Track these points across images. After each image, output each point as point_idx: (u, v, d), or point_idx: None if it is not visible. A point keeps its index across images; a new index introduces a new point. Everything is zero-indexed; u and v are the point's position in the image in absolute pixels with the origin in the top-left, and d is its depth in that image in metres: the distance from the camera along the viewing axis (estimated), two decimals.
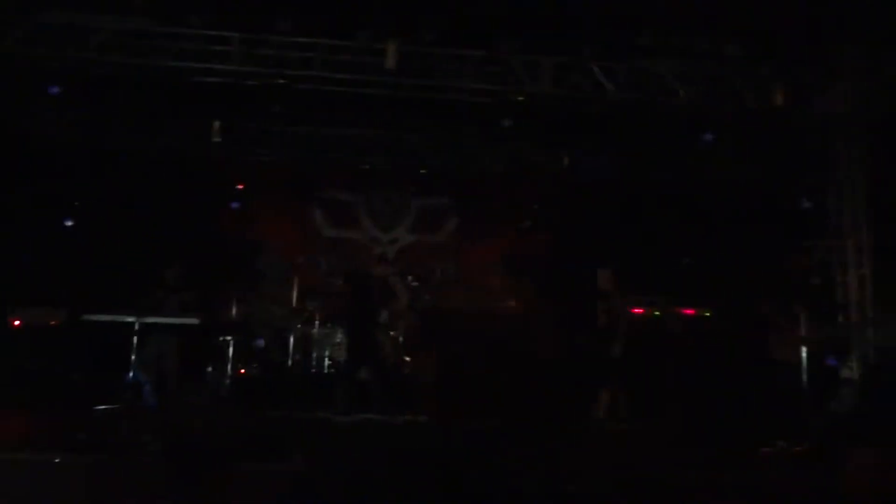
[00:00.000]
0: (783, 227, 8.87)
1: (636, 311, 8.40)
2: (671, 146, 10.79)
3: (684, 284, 9.17)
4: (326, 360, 8.23)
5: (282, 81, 8.59)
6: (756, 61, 8.44)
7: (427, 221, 11.21)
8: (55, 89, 8.09)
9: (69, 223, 10.35)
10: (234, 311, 8.96)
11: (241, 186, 11.14)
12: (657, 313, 8.38)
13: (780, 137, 9.20)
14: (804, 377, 6.46)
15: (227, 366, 7.99)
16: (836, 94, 8.45)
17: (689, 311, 8.38)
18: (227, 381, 7.69)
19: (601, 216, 10.92)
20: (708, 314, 8.40)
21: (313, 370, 8.26)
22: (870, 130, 8.31)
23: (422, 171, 11.46)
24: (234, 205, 11.15)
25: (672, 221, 11.00)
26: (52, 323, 7.74)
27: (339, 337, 8.34)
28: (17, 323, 7.70)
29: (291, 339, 8.67)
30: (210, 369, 8.20)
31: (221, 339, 8.35)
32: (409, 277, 9.47)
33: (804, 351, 6.49)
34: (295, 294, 9.39)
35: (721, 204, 10.53)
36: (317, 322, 8.63)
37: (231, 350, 8.06)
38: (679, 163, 11.32)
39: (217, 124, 10.57)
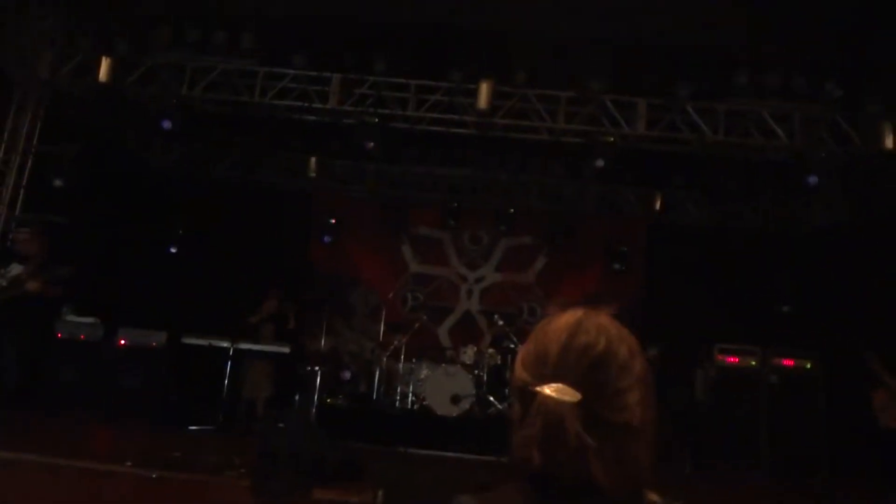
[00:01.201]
0: (890, 273, 8.34)
1: (731, 360, 8.05)
2: (769, 190, 10.44)
3: (783, 334, 8.73)
4: (410, 395, 8.26)
5: (376, 120, 8.85)
6: (860, 100, 8.11)
7: (514, 260, 11.17)
8: (167, 124, 8.60)
9: (173, 250, 10.91)
10: (323, 342, 9.15)
11: (334, 221, 11.43)
12: (753, 363, 8.00)
13: (888, 179, 8.73)
14: None
15: (314, 395, 8.16)
16: None
17: (789, 362, 7.96)
18: (314, 410, 7.84)
19: (693, 260, 10.59)
20: (809, 366, 7.95)
21: (398, 405, 8.30)
22: None
23: (510, 210, 11.48)
24: (327, 238, 11.46)
25: (770, 268, 10.57)
26: (154, 345, 8.10)
27: (424, 372, 8.37)
28: (122, 343, 8.11)
29: (377, 373, 8.76)
30: (298, 397, 8.39)
31: (310, 368, 8.54)
32: (496, 316, 9.42)
33: None
34: (382, 328, 9.51)
35: (824, 248, 10.04)
36: (402, 357, 8.70)
37: (319, 380, 8.23)
38: (779, 206, 10.92)
39: (314, 160, 11.00)
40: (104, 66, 8.22)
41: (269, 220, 10.89)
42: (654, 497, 1.19)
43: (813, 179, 8.18)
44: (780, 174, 9.47)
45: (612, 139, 8.67)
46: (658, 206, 10.95)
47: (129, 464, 4.16)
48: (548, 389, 1.16)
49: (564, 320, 1.25)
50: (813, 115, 8.49)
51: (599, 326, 1.25)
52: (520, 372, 1.23)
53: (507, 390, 8.56)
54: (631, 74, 8.54)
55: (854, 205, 9.77)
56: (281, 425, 4.59)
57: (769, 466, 7.62)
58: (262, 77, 8.96)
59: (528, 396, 1.17)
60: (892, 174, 8.52)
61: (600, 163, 8.61)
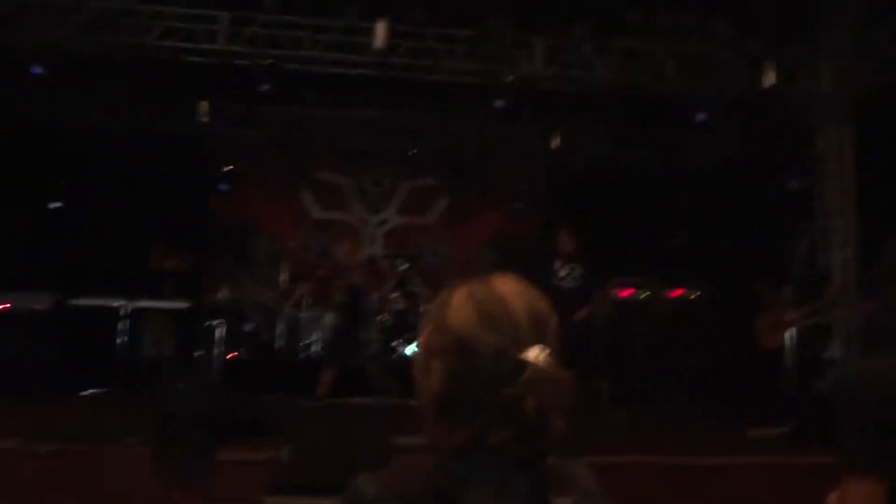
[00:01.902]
0: (772, 207, 8.87)
1: (624, 293, 8.42)
2: (662, 126, 10.78)
3: (673, 267, 9.18)
4: (315, 344, 8.22)
5: (270, 61, 8.50)
6: (744, 39, 8.41)
7: (416, 203, 11.16)
8: (38, 70, 7.95)
9: (54, 206, 10.24)
10: (224, 294, 8.94)
11: (229, 168, 11.02)
12: (646, 295, 8.40)
13: (769, 117, 9.18)
14: (790, 359, 6.50)
15: (216, 350, 7.99)
16: (823, 74, 8.44)
17: (679, 293, 8.41)
18: (217, 366, 7.69)
19: (591, 197, 10.90)
20: (695, 296, 8.42)
21: (302, 354, 8.25)
22: (856, 110, 8.31)
23: (411, 153, 11.42)
24: (223, 187, 11.05)
25: (661, 203, 11.02)
26: (38, 308, 7.68)
27: (328, 319, 8.33)
28: (3, 308, 7.65)
29: (280, 323, 8.65)
30: (198, 354, 8.20)
31: (211, 322, 8.35)
32: (399, 259, 9.43)
33: (790, 332, 6.53)
34: (285, 277, 9.35)
35: (709, 184, 10.54)
36: (305, 305, 8.61)
37: (220, 334, 8.05)
38: (670, 143, 11.32)
39: (205, 105, 10.47)
40: None
41: (161, 169, 10.34)
42: (551, 458, 1.18)
43: (700, 116, 8.49)
44: (671, 111, 9.76)
45: (511, 78, 8.68)
46: (556, 144, 11.14)
47: (18, 439, 3.97)
48: (534, 356, 1.11)
49: (509, 284, 1.22)
50: (701, 53, 8.77)
51: (539, 294, 1.24)
52: (482, 335, 1.14)
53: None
54: (527, 13, 8.51)
55: (740, 140, 10.24)
56: (181, 385, 4.49)
57: (666, 394, 8.09)
58: (145, 16, 8.39)
59: (509, 364, 1.10)
60: (774, 111, 8.94)
61: (499, 103, 8.63)
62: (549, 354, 1.13)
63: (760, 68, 8.30)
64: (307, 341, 8.27)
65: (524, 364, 1.11)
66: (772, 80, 8.21)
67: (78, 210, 10.03)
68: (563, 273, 8.04)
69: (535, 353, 1.12)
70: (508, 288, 1.21)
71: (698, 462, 4.36)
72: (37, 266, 8.45)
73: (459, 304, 1.20)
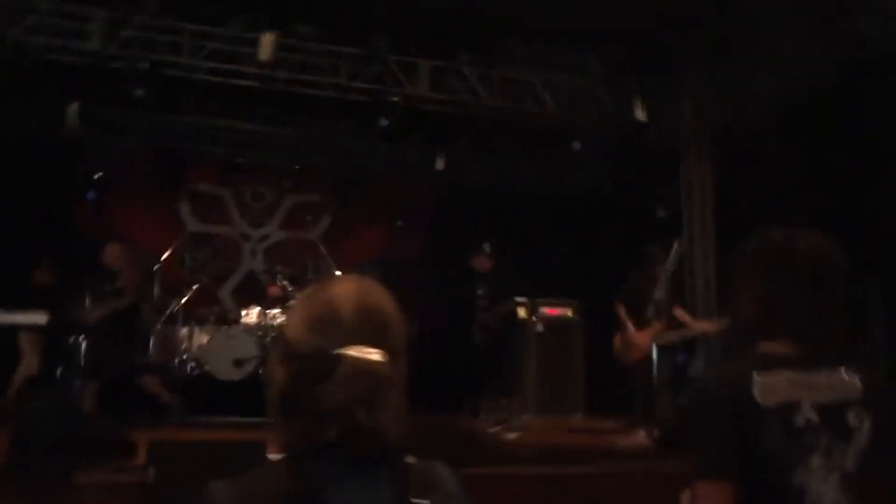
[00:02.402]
0: (643, 232, 9.42)
1: (503, 310, 8.66)
2: (542, 153, 11.22)
3: (552, 286, 9.54)
4: (190, 362, 7.90)
5: (147, 66, 8.17)
6: (618, 75, 8.94)
7: (299, 218, 11.00)
8: None
9: None
10: (89, 310, 8.42)
11: (98, 176, 10.41)
12: (523, 313, 8.67)
13: (640, 149, 9.77)
14: (655, 372, 6.90)
15: (80, 368, 7.50)
16: (684, 109, 9.10)
17: (553, 311, 8.73)
18: (79, 385, 7.22)
19: (474, 219, 11.15)
20: (570, 314, 8.78)
21: (176, 372, 7.91)
22: (714, 143, 9.01)
23: (296, 167, 11.28)
24: (90, 195, 10.42)
25: (543, 225, 11.45)
26: None
27: (204, 336, 8.04)
28: None
29: (152, 339, 8.25)
30: (60, 371, 7.67)
31: (74, 338, 7.83)
32: (279, 276, 9.25)
33: (655, 349, 6.94)
34: (157, 291, 8.93)
35: (587, 209, 11.09)
36: (180, 321, 8.26)
37: (83, 351, 7.58)
38: (549, 169, 11.80)
39: (74, 107, 9.89)
40: None
41: (22, 177, 9.63)
42: (411, 459, 1.21)
43: (576, 145, 8.92)
44: (550, 139, 10.18)
45: (396, 99, 8.79)
46: (441, 165, 11.35)
47: None
48: (354, 351, 1.13)
49: (344, 285, 1.25)
50: (577, 86, 9.23)
51: (379, 290, 1.27)
52: (306, 336, 1.18)
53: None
54: (414, 35, 8.66)
55: (612, 169, 10.84)
56: (39, 404, 4.20)
57: (536, 405, 8.36)
58: (6, 10, 7.86)
59: (327, 362, 1.13)
60: (642, 143, 9.52)
61: (384, 122, 8.72)
62: (380, 353, 1.15)
63: (631, 103, 8.83)
64: (181, 358, 7.93)
65: (339, 360, 1.14)
66: (642, 116, 8.75)
67: None
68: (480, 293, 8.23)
69: (355, 350, 1.14)
70: (342, 289, 1.24)
71: (567, 472, 4.54)
72: None
73: (293, 311, 1.25)
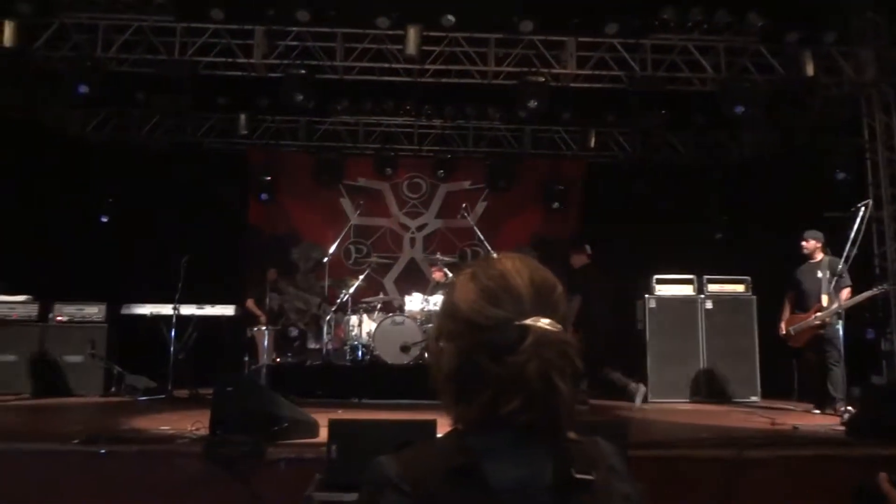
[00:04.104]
0: (819, 198, 8.71)
1: (667, 289, 8.33)
2: (700, 121, 10.66)
3: (716, 261, 9.06)
4: (360, 348, 8.29)
5: (303, 72, 8.64)
6: (781, 30, 8.29)
7: (454, 206, 11.18)
8: (83, 89, 8.20)
9: (104, 220, 10.54)
10: (268, 301, 9.08)
11: (269, 178, 11.21)
12: (689, 291, 8.30)
13: (812, 108, 9.02)
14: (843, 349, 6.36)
15: (263, 355, 8.13)
16: (864, 62, 8.26)
17: (722, 288, 8.30)
18: (264, 371, 7.82)
19: (629, 194, 10.81)
20: (741, 290, 8.30)
21: (348, 358, 8.33)
22: None
23: (448, 156, 11.50)
24: (263, 196, 11.26)
25: (702, 198, 10.90)
26: (93, 318, 7.91)
27: (372, 324, 8.40)
28: (59, 318, 7.90)
29: (325, 328, 8.76)
30: (246, 359, 8.35)
31: (257, 328, 8.49)
32: (439, 263, 9.46)
33: (842, 323, 6.39)
34: (327, 283, 9.47)
35: (755, 177, 10.39)
36: (349, 310, 8.69)
37: (266, 340, 8.19)
38: (709, 138, 11.19)
39: (243, 117, 10.70)
40: (7, 29, 7.77)
41: (203, 182, 10.58)
42: (573, 435, 1.19)
43: (739, 109, 8.38)
44: (708, 106, 9.66)
45: (543, 79, 8.69)
46: (592, 143, 11.11)
47: (76, 441, 4.10)
48: (539, 322, 1.12)
49: (512, 260, 1.24)
50: (736, 47, 8.67)
51: (542, 266, 1.26)
52: (485, 308, 1.16)
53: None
54: (559, 13, 8.52)
55: (779, 133, 10.07)
56: (231, 388, 4.57)
57: (707, 389, 8.00)
58: (181, 33, 8.63)
59: (512, 332, 1.12)
60: (813, 101, 8.78)
61: (533, 104, 8.63)
62: (554, 323, 1.14)
63: (799, 60, 8.16)
64: (351, 345, 8.35)
65: (527, 330, 1.12)
66: (811, 71, 8.08)
67: (126, 222, 10.32)
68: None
69: (538, 321, 1.13)
70: (510, 264, 1.23)
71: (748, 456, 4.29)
72: (87, 277, 8.71)
73: (463, 286, 1.22)
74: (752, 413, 6.73)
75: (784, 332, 6.97)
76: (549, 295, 1.19)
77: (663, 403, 7.66)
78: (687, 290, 8.31)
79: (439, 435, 1.30)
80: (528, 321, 1.13)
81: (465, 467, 1.09)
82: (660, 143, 11.33)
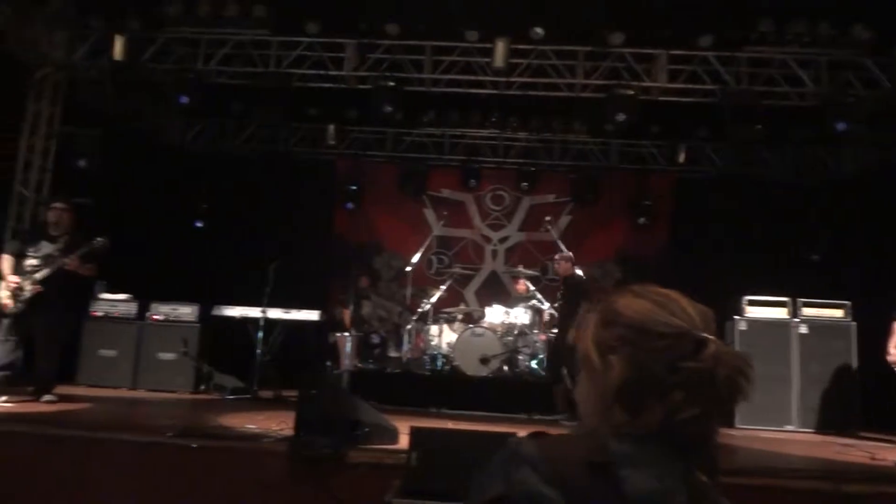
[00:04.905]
0: None
1: (760, 311, 8.00)
2: (796, 137, 10.24)
3: (813, 283, 8.63)
4: (440, 358, 8.34)
5: (392, 84, 8.80)
6: (888, 43, 7.88)
7: (537, 219, 11.12)
8: (184, 100, 8.62)
9: (199, 225, 11.02)
10: (351, 308, 9.25)
11: (355, 187, 11.47)
12: (783, 314, 7.93)
13: None
14: None
15: (345, 361, 8.29)
16: None
17: (819, 312, 7.89)
18: (346, 376, 7.97)
19: (719, 212, 10.48)
20: (840, 315, 7.87)
21: (427, 367, 8.40)
22: None
23: (532, 169, 11.46)
24: (349, 205, 11.52)
25: (798, 217, 10.45)
26: (186, 318, 8.25)
27: (452, 334, 8.44)
28: (155, 317, 8.28)
29: (406, 337, 8.86)
30: (329, 363, 8.53)
31: (340, 334, 8.67)
32: (521, 276, 9.42)
33: None
34: (409, 292, 9.58)
35: (856, 195, 9.87)
36: (430, 320, 8.76)
37: (349, 346, 8.35)
38: (806, 154, 10.73)
39: (332, 128, 10.99)
40: (118, 44, 8.25)
41: (291, 190, 10.94)
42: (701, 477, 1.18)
43: (841, 126, 8.00)
44: (807, 121, 9.27)
45: (632, 93, 8.55)
46: (682, 158, 10.83)
47: (170, 435, 4.28)
48: (713, 337, 1.15)
49: (662, 289, 1.26)
50: (839, 60, 8.30)
51: None
52: (663, 318, 1.17)
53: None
54: (650, 26, 8.38)
55: (884, 150, 9.55)
56: (315, 391, 4.68)
57: (800, 419, 7.61)
58: (276, 46, 8.95)
59: (692, 342, 1.14)
60: None
61: (621, 117, 8.50)
62: (720, 342, 1.16)
63: None
64: (432, 354, 8.41)
65: (704, 342, 1.14)
66: None
67: (220, 228, 10.76)
68: None
69: (709, 336, 1.16)
70: (667, 290, 1.25)
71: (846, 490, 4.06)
72: (182, 279, 9.12)
73: (630, 301, 1.23)
74: (849, 445, 6.35)
75: (892, 359, 6.55)
76: (711, 317, 1.22)
77: (752, 430, 7.34)
78: (780, 314, 7.94)
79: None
80: (704, 334, 1.16)
81: (604, 466, 1.10)
82: (754, 158, 10.94)
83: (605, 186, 11.37)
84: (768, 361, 7.70)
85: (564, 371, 7.23)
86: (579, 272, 7.97)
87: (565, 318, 7.56)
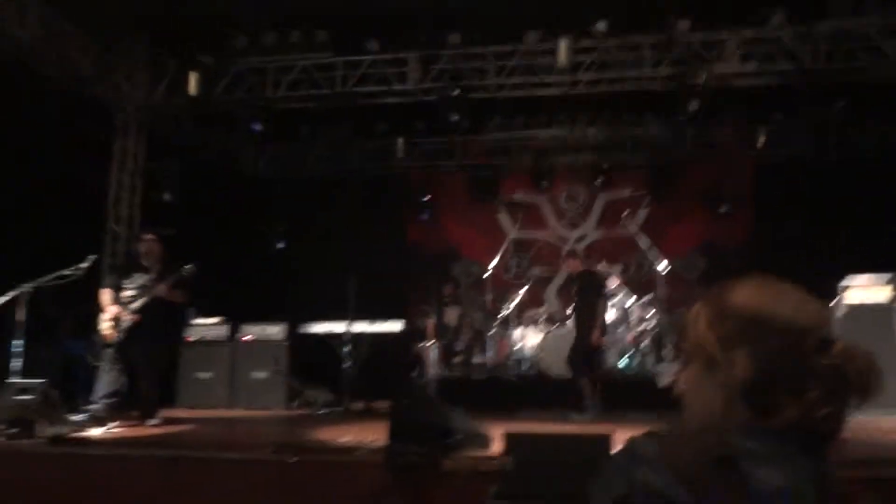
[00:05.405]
0: None
1: (857, 296, 7.60)
2: (881, 113, 9.74)
3: None
4: (525, 361, 8.30)
5: (457, 93, 8.84)
6: None
7: (614, 215, 10.93)
8: (257, 127, 8.91)
9: (280, 247, 11.35)
10: (433, 317, 9.33)
11: (427, 198, 11.57)
12: (883, 299, 7.51)
13: None
14: None
15: (431, 370, 8.36)
16: None
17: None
18: (432, 384, 8.03)
19: (803, 195, 10.05)
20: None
21: (513, 371, 8.37)
22: None
23: (604, 166, 11.26)
24: (423, 216, 11.62)
25: (891, 196, 9.90)
26: (275, 337, 8.49)
27: (536, 336, 8.39)
28: (246, 338, 8.55)
29: (489, 342, 8.86)
30: (415, 373, 8.62)
31: (423, 343, 8.75)
32: (607, 275, 9.27)
33: None
34: (488, 297, 9.59)
35: None
36: (512, 324, 8.74)
37: (433, 355, 8.42)
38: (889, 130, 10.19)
39: (401, 141, 11.14)
40: (192, 79, 8.60)
41: (365, 205, 11.13)
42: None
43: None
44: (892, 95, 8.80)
45: (703, 80, 8.31)
46: (761, 142, 10.44)
47: (269, 451, 4.40)
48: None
49: (778, 282, 1.22)
50: None
51: None
52: (792, 313, 1.14)
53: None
54: (718, 8, 8.14)
55: None
56: (407, 401, 4.72)
57: None
58: (341, 67, 9.13)
59: (815, 337, 1.11)
60: None
61: (694, 105, 8.28)
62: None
63: None
64: (515, 358, 8.38)
65: (831, 337, 1.11)
66: None
67: (299, 249, 11.06)
68: None
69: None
70: (783, 283, 1.22)
71: None
72: (268, 300, 9.40)
73: (748, 294, 1.20)
74: None
75: None
76: (828, 311, 1.23)
77: (859, 420, 6.97)
78: (880, 297, 7.52)
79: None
80: (827, 330, 1.13)
81: (729, 462, 1.07)
82: (837, 137, 10.45)
83: (683, 177, 11.08)
84: (871, 347, 7.28)
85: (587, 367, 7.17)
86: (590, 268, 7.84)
87: (583, 315, 7.41)
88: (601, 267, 9.45)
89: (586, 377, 7.15)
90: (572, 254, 7.90)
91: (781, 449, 1.09)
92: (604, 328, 7.38)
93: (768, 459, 1.07)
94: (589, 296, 7.36)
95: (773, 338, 1.13)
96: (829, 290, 7.59)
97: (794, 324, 1.13)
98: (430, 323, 9.22)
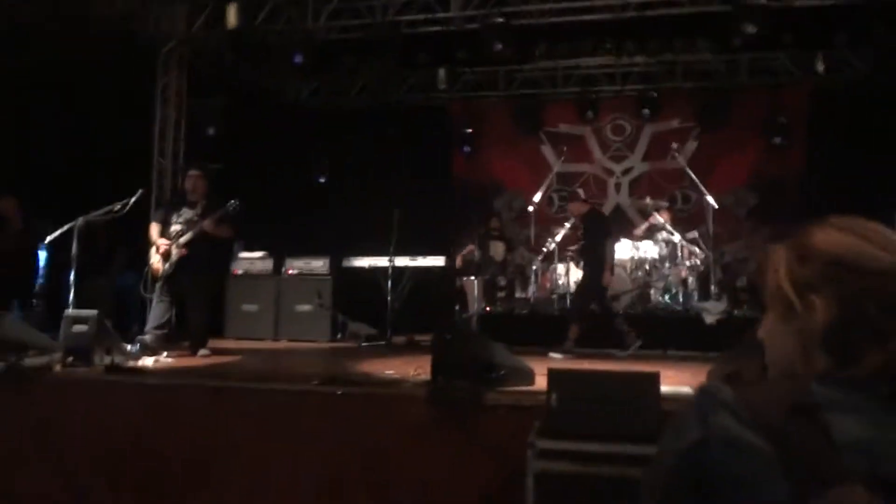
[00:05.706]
0: None
1: None
2: None
3: None
4: (568, 296, 8.25)
5: (501, 20, 8.55)
6: None
7: (662, 147, 10.59)
8: (298, 58, 8.79)
9: (322, 181, 11.36)
10: (475, 251, 9.30)
11: (470, 130, 11.37)
12: None
13: None
14: None
15: (473, 304, 8.38)
16: None
17: None
18: (475, 319, 8.06)
19: (864, 126, 9.56)
20: None
21: (556, 306, 8.34)
22: None
23: (653, 95, 10.83)
24: (466, 149, 11.45)
25: None
26: (318, 270, 8.58)
27: (578, 273, 8.30)
28: (290, 272, 8.67)
29: (532, 277, 8.81)
30: (457, 307, 8.65)
31: (466, 278, 8.75)
32: (650, 207, 9.06)
33: None
34: (532, 231, 9.49)
35: None
36: (556, 258, 8.65)
37: (475, 289, 8.42)
38: None
39: (442, 72, 10.89)
40: (231, 12, 8.48)
41: (407, 138, 11.00)
42: None
43: None
44: None
45: (763, 1, 7.86)
46: (821, 67, 9.91)
47: (315, 382, 4.48)
48: None
49: (864, 221, 1.15)
50: None
51: None
52: (878, 253, 1.08)
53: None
54: None
55: None
56: (449, 336, 4.73)
57: None
58: None
59: None
60: None
61: (751, 29, 7.86)
62: None
63: None
64: (558, 294, 8.33)
65: None
66: None
67: (342, 182, 11.06)
68: None
69: None
70: (870, 222, 1.14)
71: None
72: (311, 234, 9.48)
73: (830, 234, 1.12)
74: None
75: None
76: None
77: None
78: None
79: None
80: None
81: (809, 410, 1.02)
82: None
83: (734, 107, 10.61)
84: None
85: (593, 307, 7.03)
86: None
87: (590, 256, 7.27)
88: (648, 201, 9.24)
89: (580, 320, 7.10)
90: (575, 195, 7.71)
91: (863, 399, 1.02)
92: (611, 268, 7.28)
93: (849, 409, 1.01)
94: (596, 236, 7.23)
95: (855, 280, 1.05)
96: (888, 226, 7.27)
97: (879, 265, 1.05)
98: (473, 257, 9.19)
